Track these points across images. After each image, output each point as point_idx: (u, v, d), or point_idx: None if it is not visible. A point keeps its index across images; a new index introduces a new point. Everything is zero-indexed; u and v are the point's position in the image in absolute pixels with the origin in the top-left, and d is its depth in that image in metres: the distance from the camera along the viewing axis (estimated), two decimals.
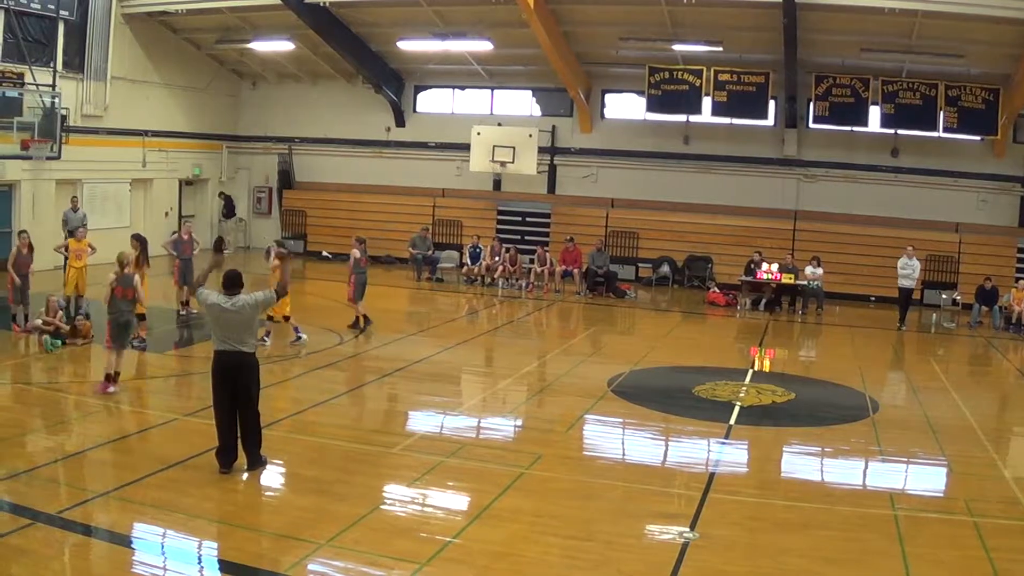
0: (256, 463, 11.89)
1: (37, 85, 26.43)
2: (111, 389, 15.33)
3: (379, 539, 9.97)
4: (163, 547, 9.79)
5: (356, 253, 21.95)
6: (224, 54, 35.92)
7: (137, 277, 16.45)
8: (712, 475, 12.54)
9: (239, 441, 11.83)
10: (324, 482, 11.63)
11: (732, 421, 15.24)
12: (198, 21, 32.91)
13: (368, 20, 31.61)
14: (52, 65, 28.12)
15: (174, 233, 24.10)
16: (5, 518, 10.05)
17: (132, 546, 9.73)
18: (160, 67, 33.90)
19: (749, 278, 28.26)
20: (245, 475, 11.64)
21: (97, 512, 10.52)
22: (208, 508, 10.80)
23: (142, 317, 18.09)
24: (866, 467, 13.43)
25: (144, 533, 10.07)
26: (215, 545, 9.97)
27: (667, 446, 14.45)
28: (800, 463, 13.93)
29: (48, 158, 27.25)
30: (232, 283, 12.08)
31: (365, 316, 21.96)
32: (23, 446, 12.85)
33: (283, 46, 33.43)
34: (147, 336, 19.05)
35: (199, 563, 9.62)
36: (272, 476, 11.94)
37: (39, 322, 19.08)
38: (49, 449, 12.75)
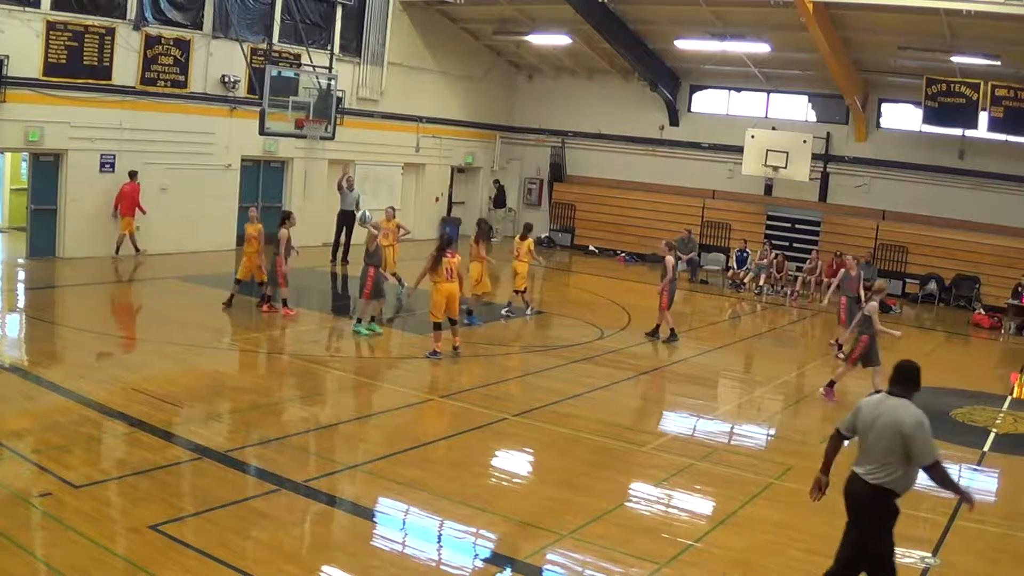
0: None
1: (313, 67, 27.23)
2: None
3: (621, 535, 10.05)
4: (404, 523, 10.20)
5: (671, 260, 20.97)
6: (501, 45, 36.72)
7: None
8: (960, 501, 11.84)
9: None
10: (572, 474, 11.75)
11: (986, 448, 14.76)
12: (477, 12, 33.70)
13: (646, 17, 31.60)
14: (329, 48, 29.35)
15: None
16: (251, 482, 10.40)
17: (374, 519, 10.12)
18: (436, 55, 34.96)
19: (1015, 301, 27.00)
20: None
21: (344, 484, 11.07)
22: (455, 489, 11.11)
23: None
24: None
25: (388, 508, 10.56)
26: (457, 526, 10.11)
27: None
28: None
29: (322, 138, 28.15)
30: (905, 379, 8.44)
31: (671, 329, 21.06)
32: (279, 415, 13.40)
33: (560, 40, 33.82)
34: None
35: (438, 542, 9.90)
36: (521, 463, 12.41)
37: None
38: (303, 420, 13.51)
